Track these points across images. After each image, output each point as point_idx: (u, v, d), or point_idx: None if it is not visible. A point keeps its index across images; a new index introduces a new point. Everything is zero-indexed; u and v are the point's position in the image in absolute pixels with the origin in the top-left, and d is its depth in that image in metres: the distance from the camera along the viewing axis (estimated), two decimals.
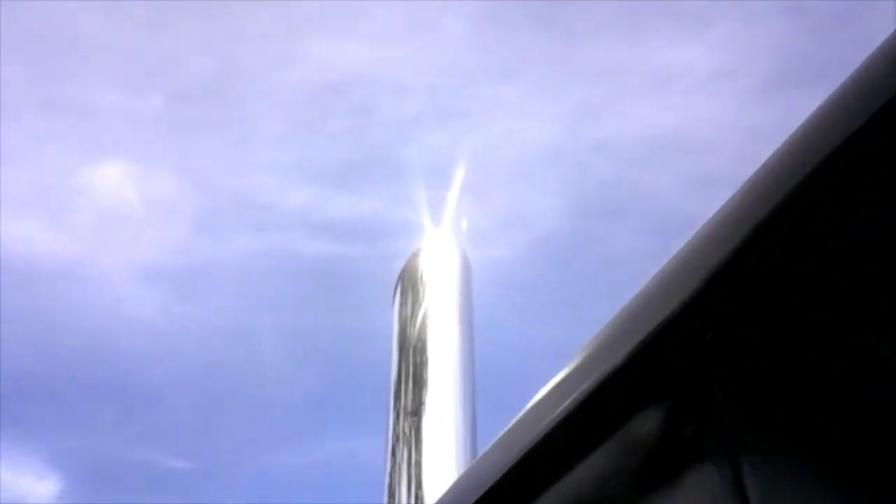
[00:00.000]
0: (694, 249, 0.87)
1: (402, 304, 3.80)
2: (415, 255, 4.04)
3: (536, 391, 1.13)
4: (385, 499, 3.23)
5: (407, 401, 3.38)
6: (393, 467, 3.23)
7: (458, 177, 4.33)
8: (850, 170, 0.66)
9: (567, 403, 1.01)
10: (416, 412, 3.30)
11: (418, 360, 3.50)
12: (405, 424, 3.31)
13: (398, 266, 4.08)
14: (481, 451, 1.33)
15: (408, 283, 3.86)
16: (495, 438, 1.21)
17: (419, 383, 3.42)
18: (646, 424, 0.94)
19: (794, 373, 0.73)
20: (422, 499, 2.99)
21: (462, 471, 3.06)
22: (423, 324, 3.61)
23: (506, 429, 1.18)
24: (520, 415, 1.14)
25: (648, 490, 0.91)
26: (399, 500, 3.08)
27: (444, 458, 3.18)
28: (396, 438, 3.30)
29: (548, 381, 1.10)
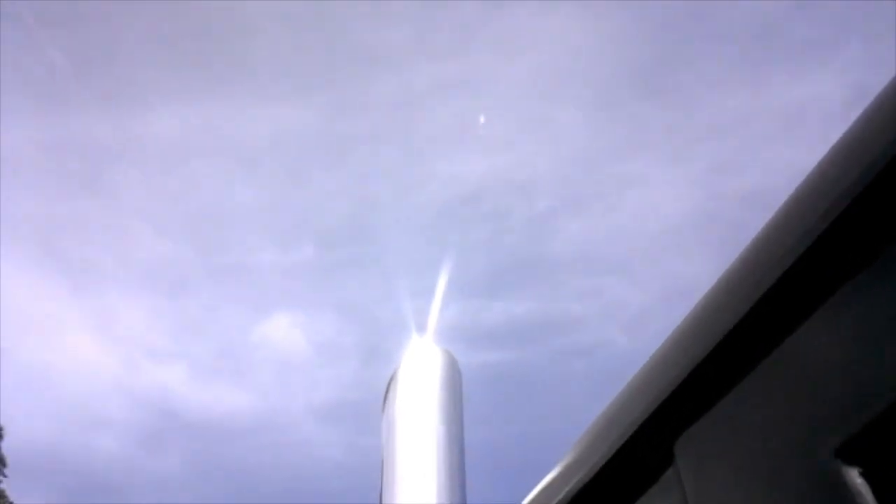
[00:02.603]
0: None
1: (391, 408, 3.81)
2: (402, 360, 4.08)
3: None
4: None
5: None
6: None
7: (441, 284, 4.41)
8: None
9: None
10: None
11: (405, 461, 3.47)
12: None
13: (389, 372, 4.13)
14: None
15: (397, 386, 3.88)
16: None
17: (408, 482, 3.39)
18: None
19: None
20: None
21: None
22: (412, 423, 3.61)
23: None
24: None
25: None
26: None
27: None
28: None
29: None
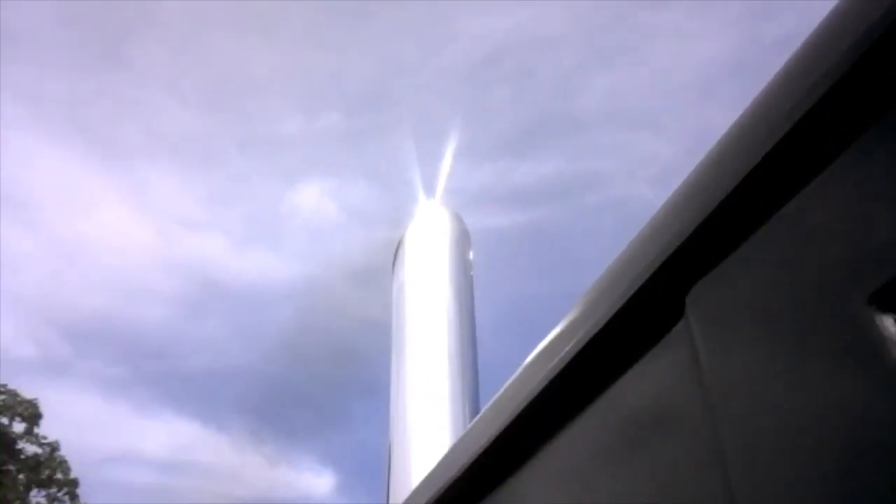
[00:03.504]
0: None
1: (400, 273, 3.83)
2: (412, 224, 4.06)
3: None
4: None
5: (406, 369, 3.42)
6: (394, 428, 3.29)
7: (450, 148, 4.31)
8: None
9: (552, 366, 1.04)
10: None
11: (415, 327, 3.52)
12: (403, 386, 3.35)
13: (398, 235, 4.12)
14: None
15: (406, 251, 3.88)
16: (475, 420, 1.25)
17: (419, 348, 3.45)
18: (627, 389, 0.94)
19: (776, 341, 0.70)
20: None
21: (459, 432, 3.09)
22: (421, 291, 3.63)
23: (488, 404, 1.22)
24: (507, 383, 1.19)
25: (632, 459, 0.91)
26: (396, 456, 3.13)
27: (440, 414, 3.21)
28: (398, 402, 3.35)
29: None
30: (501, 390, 1.23)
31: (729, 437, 0.73)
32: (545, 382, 1.08)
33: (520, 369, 1.19)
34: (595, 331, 0.99)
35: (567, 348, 1.06)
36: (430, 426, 3.17)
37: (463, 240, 3.94)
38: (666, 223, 0.89)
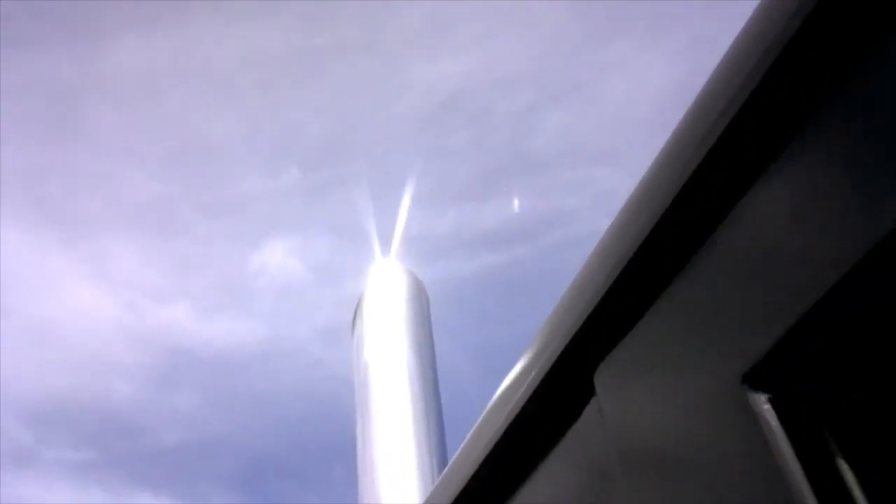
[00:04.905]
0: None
1: (361, 331, 3.86)
2: (369, 283, 4.10)
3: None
4: None
5: (371, 426, 3.43)
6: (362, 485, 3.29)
7: (405, 202, 4.39)
8: None
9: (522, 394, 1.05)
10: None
11: (378, 386, 3.55)
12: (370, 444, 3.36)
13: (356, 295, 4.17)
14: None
15: (363, 311, 3.92)
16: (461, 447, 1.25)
17: (382, 407, 3.47)
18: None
19: None
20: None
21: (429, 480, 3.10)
22: (382, 349, 3.67)
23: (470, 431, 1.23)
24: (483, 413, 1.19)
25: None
26: None
27: (407, 470, 3.23)
28: (364, 459, 3.36)
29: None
30: (457, 452, 1.27)
31: (632, 486, 0.80)
32: (485, 454, 1.12)
33: (469, 434, 1.24)
34: (514, 415, 1.04)
35: (488, 438, 1.11)
36: (397, 484, 3.20)
37: (419, 296, 4.00)
38: (570, 306, 0.95)
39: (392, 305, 3.91)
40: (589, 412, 0.92)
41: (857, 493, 0.59)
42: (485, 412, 1.16)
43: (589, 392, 0.91)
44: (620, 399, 0.85)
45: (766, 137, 0.68)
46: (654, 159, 0.84)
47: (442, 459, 3.41)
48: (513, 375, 1.08)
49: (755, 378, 0.64)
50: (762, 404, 0.64)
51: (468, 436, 1.23)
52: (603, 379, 0.88)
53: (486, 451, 1.11)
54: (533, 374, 1.00)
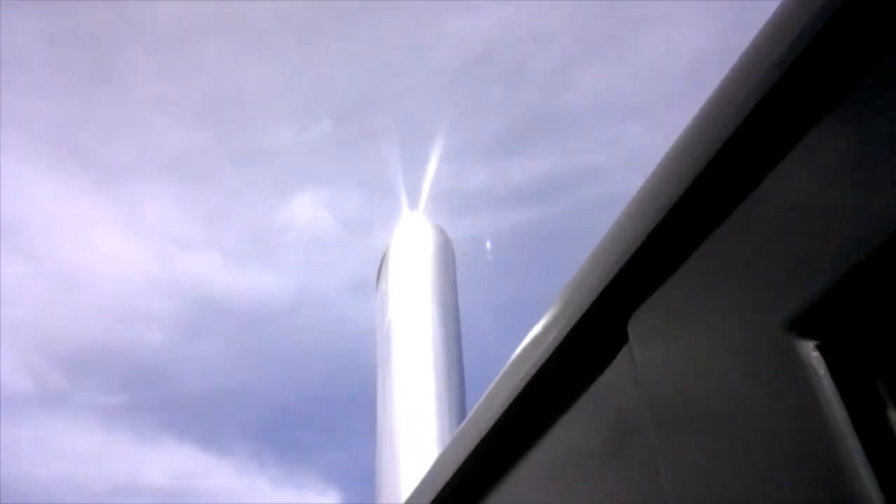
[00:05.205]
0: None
1: (385, 286, 3.85)
2: (396, 238, 4.08)
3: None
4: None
5: (392, 382, 3.44)
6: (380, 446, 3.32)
7: (434, 158, 4.35)
8: None
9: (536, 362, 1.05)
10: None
11: (400, 343, 3.54)
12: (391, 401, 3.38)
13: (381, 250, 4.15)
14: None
15: (388, 266, 3.91)
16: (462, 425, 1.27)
17: (404, 364, 3.48)
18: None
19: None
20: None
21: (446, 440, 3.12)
22: (406, 306, 3.66)
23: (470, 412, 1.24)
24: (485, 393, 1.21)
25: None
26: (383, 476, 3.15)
27: (427, 428, 3.24)
28: (384, 413, 3.38)
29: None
30: (479, 402, 1.26)
31: (663, 440, 0.77)
32: (508, 404, 1.11)
33: (491, 385, 1.23)
34: (545, 357, 1.02)
35: (519, 377, 1.09)
36: (416, 441, 3.21)
37: (446, 252, 3.97)
38: (604, 254, 0.93)
39: (418, 261, 3.89)
40: (620, 362, 0.90)
41: None
42: (511, 359, 1.13)
43: (622, 340, 0.88)
44: (656, 348, 0.82)
45: (814, 93, 0.65)
46: (700, 108, 0.81)
47: (462, 418, 3.41)
48: (543, 323, 1.06)
49: (803, 324, 0.62)
50: (810, 352, 0.61)
51: (491, 385, 1.20)
52: (638, 327, 0.85)
53: (509, 400, 1.09)
54: (564, 320, 0.98)
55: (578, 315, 0.95)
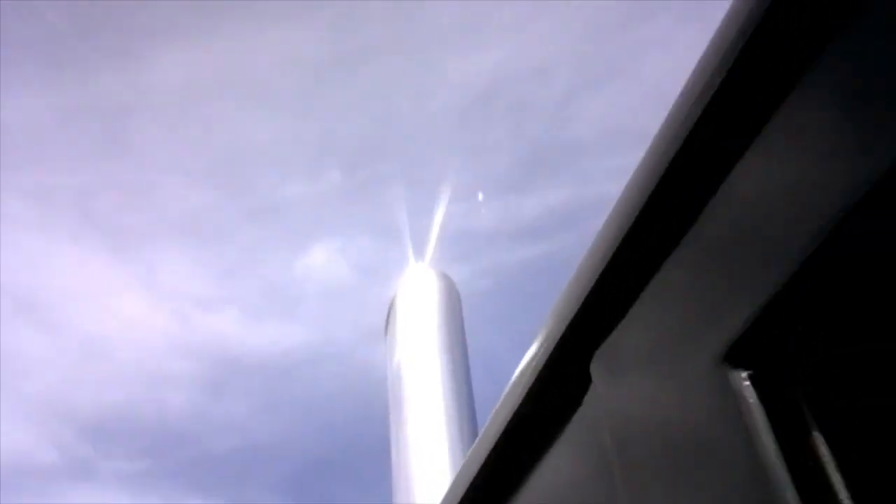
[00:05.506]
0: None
1: (393, 335, 3.90)
2: (401, 288, 4.13)
3: None
4: None
5: (405, 431, 3.47)
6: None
7: (440, 207, 4.41)
8: None
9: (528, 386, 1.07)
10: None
11: (409, 385, 3.58)
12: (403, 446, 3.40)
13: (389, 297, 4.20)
14: None
15: (395, 316, 3.95)
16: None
17: (415, 408, 3.50)
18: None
19: None
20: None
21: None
22: (413, 352, 3.69)
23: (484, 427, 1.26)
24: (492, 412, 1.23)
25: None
26: None
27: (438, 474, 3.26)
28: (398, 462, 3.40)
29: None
30: (475, 442, 1.30)
31: (630, 474, 0.82)
32: (495, 444, 1.16)
33: (484, 426, 1.27)
34: (518, 403, 1.07)
35: (496, 427, 1.15)
36: (430, 485, 3.23)
37: (451, 298, 4.01)
38: (565, 299, 0.98)
39: (423, 310, 3.93)
40: (589, 399, 0.94)
41: (832, 468, 0.59)
42: (495, 407, 1.18)
43: (587, 380, 0.93)
44: (614, 385, 0.87)
45: (728, 137, 0.70)
46: (640, 158, 0.86)
47: None
48: (519, 368, 1.11)
49: (734, 356, 0.65)
50: (742, 381, 0.64)
51: (480, 432, 1.26)
52: (599, 368, 0.90)
53: (493, 446, 1.14)
54: (534, 365, 1.03)
55: (545, 359, 1.00)
